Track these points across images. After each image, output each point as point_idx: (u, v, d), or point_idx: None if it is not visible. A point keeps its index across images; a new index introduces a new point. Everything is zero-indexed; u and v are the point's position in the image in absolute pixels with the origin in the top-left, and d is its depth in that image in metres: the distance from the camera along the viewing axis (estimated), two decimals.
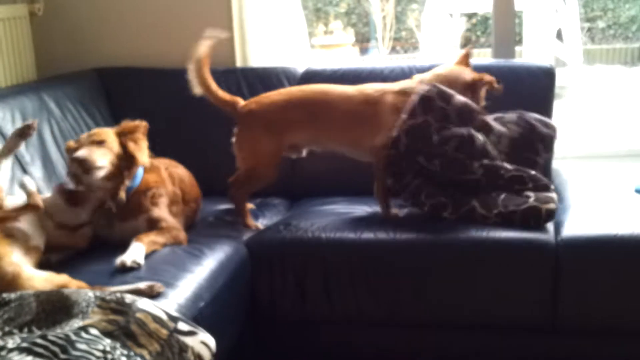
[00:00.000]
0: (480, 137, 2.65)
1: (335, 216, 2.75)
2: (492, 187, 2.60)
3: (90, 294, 1.89)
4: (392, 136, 2.65)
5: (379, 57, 7.99)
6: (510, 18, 3.34)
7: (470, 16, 8.18)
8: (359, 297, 2.55)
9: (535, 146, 2.75)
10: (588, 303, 2.43)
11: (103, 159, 2.42)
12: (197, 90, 2.78)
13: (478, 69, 2.87)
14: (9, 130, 2.75)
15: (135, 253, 2.29)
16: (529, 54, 6.43)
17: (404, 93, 2.71)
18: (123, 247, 2.33)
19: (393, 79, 3.02)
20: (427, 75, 2.79)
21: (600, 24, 9.23)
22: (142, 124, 2.60)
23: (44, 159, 2.82)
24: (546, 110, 2.98)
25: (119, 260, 2.24)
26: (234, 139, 2.81)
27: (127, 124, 2.59)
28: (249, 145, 2.78)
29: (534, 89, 3.03)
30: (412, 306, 2.54)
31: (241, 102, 2.82)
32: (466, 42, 7.76)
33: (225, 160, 3.14)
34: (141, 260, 2.27)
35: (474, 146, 2.62)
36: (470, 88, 2.74)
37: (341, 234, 2.58)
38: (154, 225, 2.50)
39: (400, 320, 2.59)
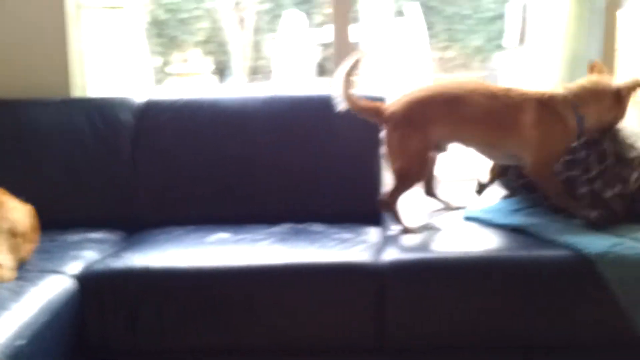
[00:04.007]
0: None
1: (169, 246, 2.75)
2: None
3: None
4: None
5: (236, 85, 8.07)
6: (347, 49, 3.48)
7: (326, 46, 8.40)
8: (193, 327, 2.55)
9: None
10: (413, 322, 2.54)
11: None
12: (343, 106, 2.82)
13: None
14: None
15: None
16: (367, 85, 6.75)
17: (546, 103, 2.76)
18: None
19: (234, 109, 3.09)
20: (572, 86, 2.81)
21: (450, 53, 9.69)
22: None
23: None
24: None
25: None
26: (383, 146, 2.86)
27: None
28: (398, 145, 2.81)
29: None
30: (246, 333, 2.56)
31: (383, 105, 2.87)
32: (322, 71, 7.96)
33: (60, 194, 3.10)
34: None
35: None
36: (616, 96, 2.78)
37: (173, 263, 2.59)
38: None
39: (235, 347, 2.60)
